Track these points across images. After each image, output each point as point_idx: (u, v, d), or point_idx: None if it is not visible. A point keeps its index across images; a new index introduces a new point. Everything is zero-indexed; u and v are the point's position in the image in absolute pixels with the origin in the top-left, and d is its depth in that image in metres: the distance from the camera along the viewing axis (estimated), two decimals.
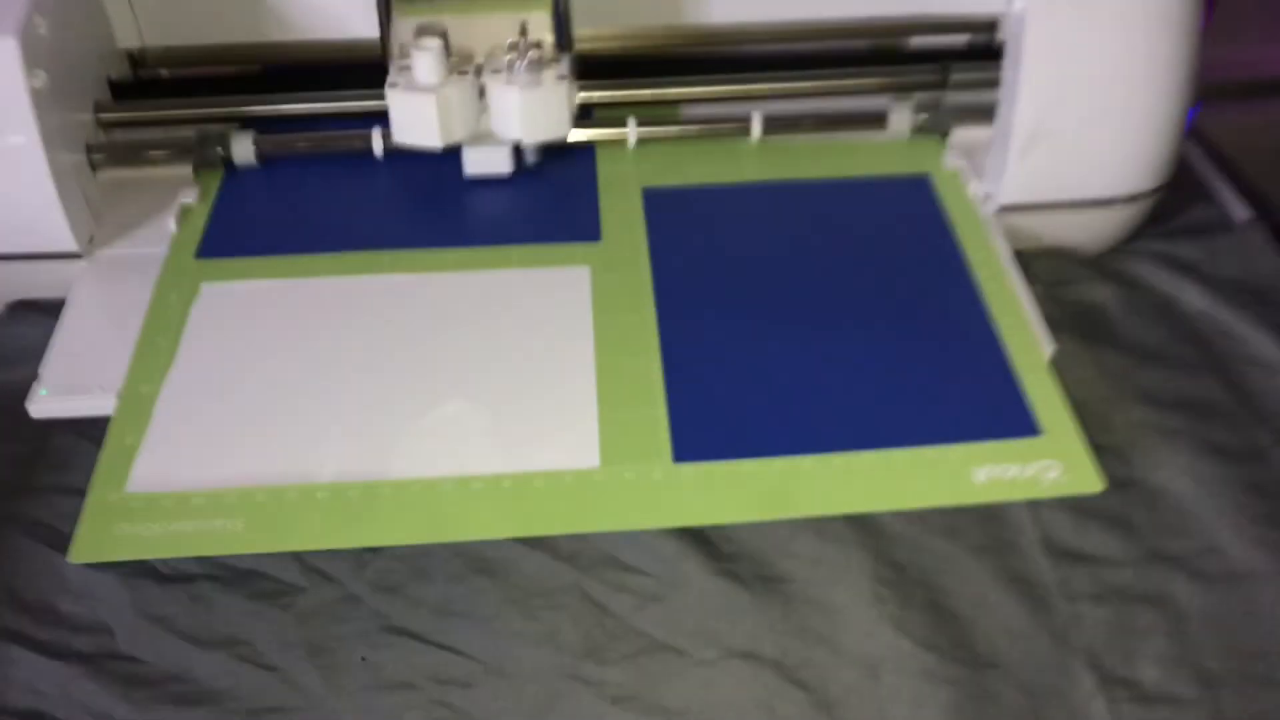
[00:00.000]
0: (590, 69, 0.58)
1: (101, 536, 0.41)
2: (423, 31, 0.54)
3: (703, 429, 0.44)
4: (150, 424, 0.45)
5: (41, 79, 0.50)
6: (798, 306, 0.49)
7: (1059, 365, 0.49)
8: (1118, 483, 0.47)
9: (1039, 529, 0.46)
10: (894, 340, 0.48)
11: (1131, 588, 0.44)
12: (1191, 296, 0.57)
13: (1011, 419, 0.44)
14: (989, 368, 0.46)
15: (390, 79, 0.54)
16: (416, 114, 0.54)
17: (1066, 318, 0.54)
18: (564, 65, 0.55)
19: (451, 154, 0.56)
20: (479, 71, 0.54)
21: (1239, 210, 0.62)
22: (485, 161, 0.56)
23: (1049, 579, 0.45)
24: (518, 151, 0.57)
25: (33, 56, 0.49)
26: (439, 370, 0.47)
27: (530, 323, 0.49)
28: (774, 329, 0.48)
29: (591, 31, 0.60)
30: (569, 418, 0.45)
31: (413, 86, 0.54)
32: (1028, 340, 0.48)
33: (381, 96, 0.54)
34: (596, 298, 0.49)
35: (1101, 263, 0.58)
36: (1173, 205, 0.61)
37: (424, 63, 0.53)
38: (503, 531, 0.42)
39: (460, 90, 0.54)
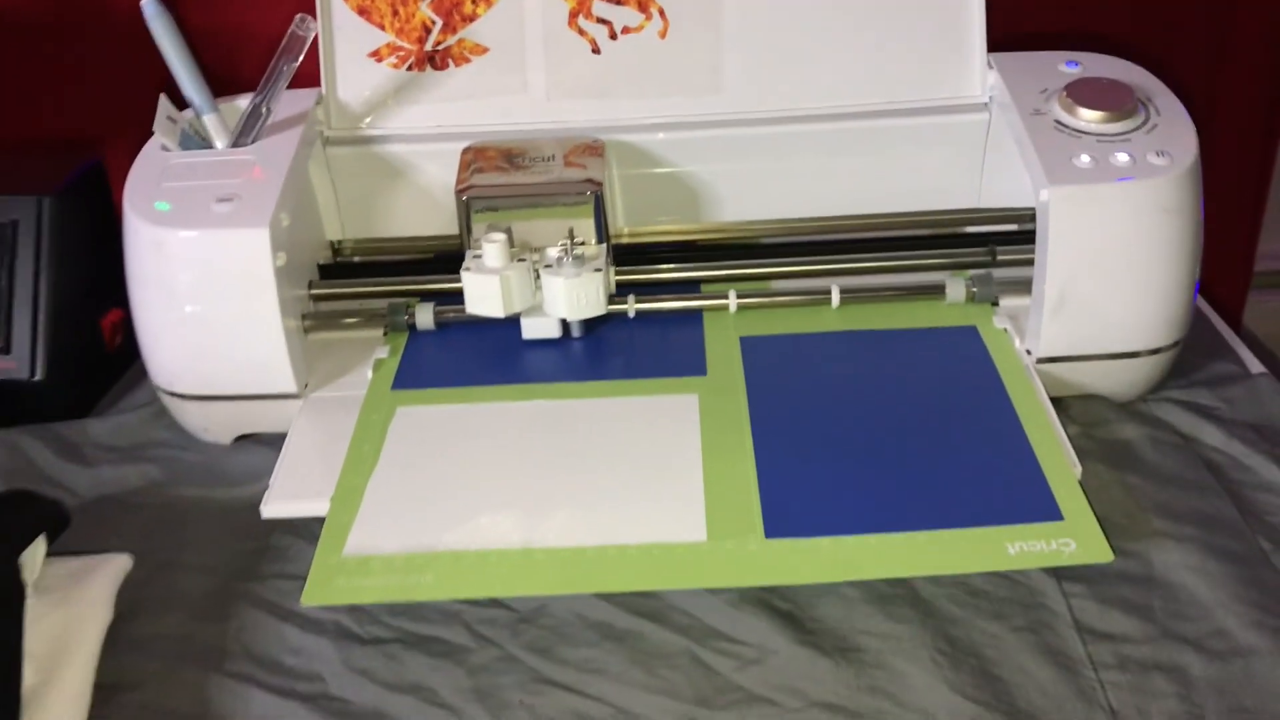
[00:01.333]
0: (630, 255, 0.72)
1: (325, 588, 0.54)
2: (492, 229, 0.68)
3: (789, 513, 0.56)
4: (360, 506, 0.58)
5: (282, 259, 0.65)
6: (867, 424, 0.61)
7: (1089, 486, 0.59)
8: (1138, 578, 0.57)
9: (1071, 614, 0.56)
10: (947, 451, 0.59)
11: (1148, 659, 0.54)
12: (1209, 434, 0.67)
13: (1039, 509, 0.55)
14: (1024, 475, 0.57)
15: (465, 264, 0.68)
16: (484, 290, 0.67)
17: (1097, 449, 0.65)
18: (601, 259, 0.68)
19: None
20: (536, 262, 0.68)
21: (1255, 366, 0.73)
22: (538, 329, 0.69)
23: (1079, 652, 0.54)
24: (565, 323, 0.70)
25: (276, 242, 0.65)
26: (580, 467, 0.60)
27: (652, 432, 0.62)
28: (847, 440, 0.60)
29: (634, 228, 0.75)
30: (682, 503, 0.57)
31: (482, 269, 0.67)
32: (1058, 459, 0.58)
33: None
34: (703, 415, 0.62)
35: (1131, 407, 0.69)
36: (1196, 362, 0.72)
37: (491, 252, 0.67)
38: (631, 586, 0.54)
39: (519, 274, 0.67)
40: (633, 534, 0.55)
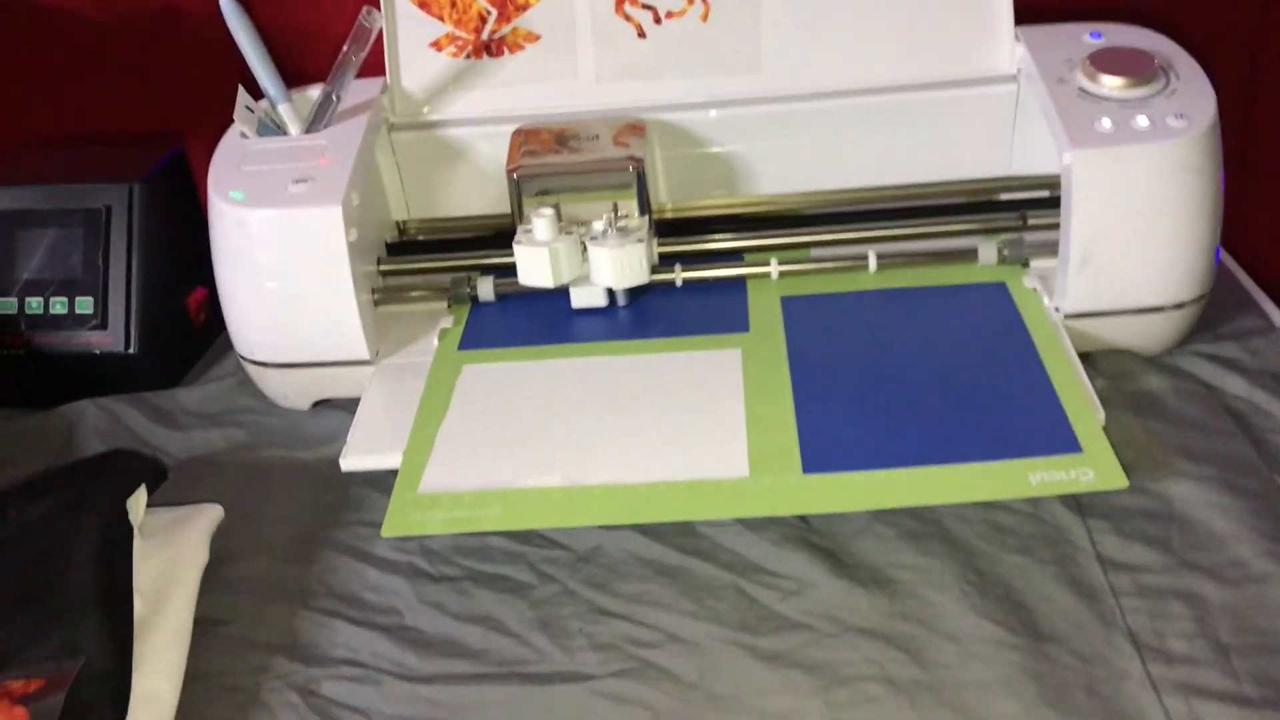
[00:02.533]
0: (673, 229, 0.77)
1: (403, 520, 0.59)
2: (540, 205, 0.73)
3: (825, 451, 0.60)
4: (432, 451, 0.64)
5: (353, 235, 0.71)
6: (899, 371, 0.66)
7: (1113, 431, 0.62)
8: (1158, 514, 0.61)
9: (1094, 548, 0.60)
10: (973, 394, 0.63)
11: (1166, 587, 0.57)
12: (1233, 384, 0.70)
13: (1060, 443, 0.59)
14: (1046, 414, 0.61)
15: (516, 238, 0.72)
16: (535, 262, 0.72)
17: (1123, 399, 0.68)
18: (643, 230, 0.72)
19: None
20: (582, 234, 0.72)
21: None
22: (587, 298, 0.74)
23: (1100, 581, 0.58)
24: (612, 291, 0.74)
25: (348, 219, 0.70)
26: (630, 413, 0.65)
27: (696, 382, 0.67)
28: (880, 385, 0.65)
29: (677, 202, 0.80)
30: (725, 443, 0.62)
31: (532, 243, 0.72)
32: (1080, 401, 0.62)
33: None
34: (745, 366, 0.67)
35: (1157, 361, 0.72)
36: (1222, 317, 0.75)
37: (540, 226, 0.71)
38: (678, 516, 0.59)
39: (567, 245, 0.71)
40: (680, 471, 0.60)
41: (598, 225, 0.72)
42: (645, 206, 0.74)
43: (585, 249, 0.72)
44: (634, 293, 0.75)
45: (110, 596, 0.56)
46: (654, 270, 0.74)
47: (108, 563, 0.57)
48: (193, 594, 0.60)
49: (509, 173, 0.74)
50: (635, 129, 0.76)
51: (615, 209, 0.72)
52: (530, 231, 0.72)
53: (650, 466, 0.61)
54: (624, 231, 0.71)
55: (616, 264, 0.71)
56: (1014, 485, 0.57)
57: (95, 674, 0.52)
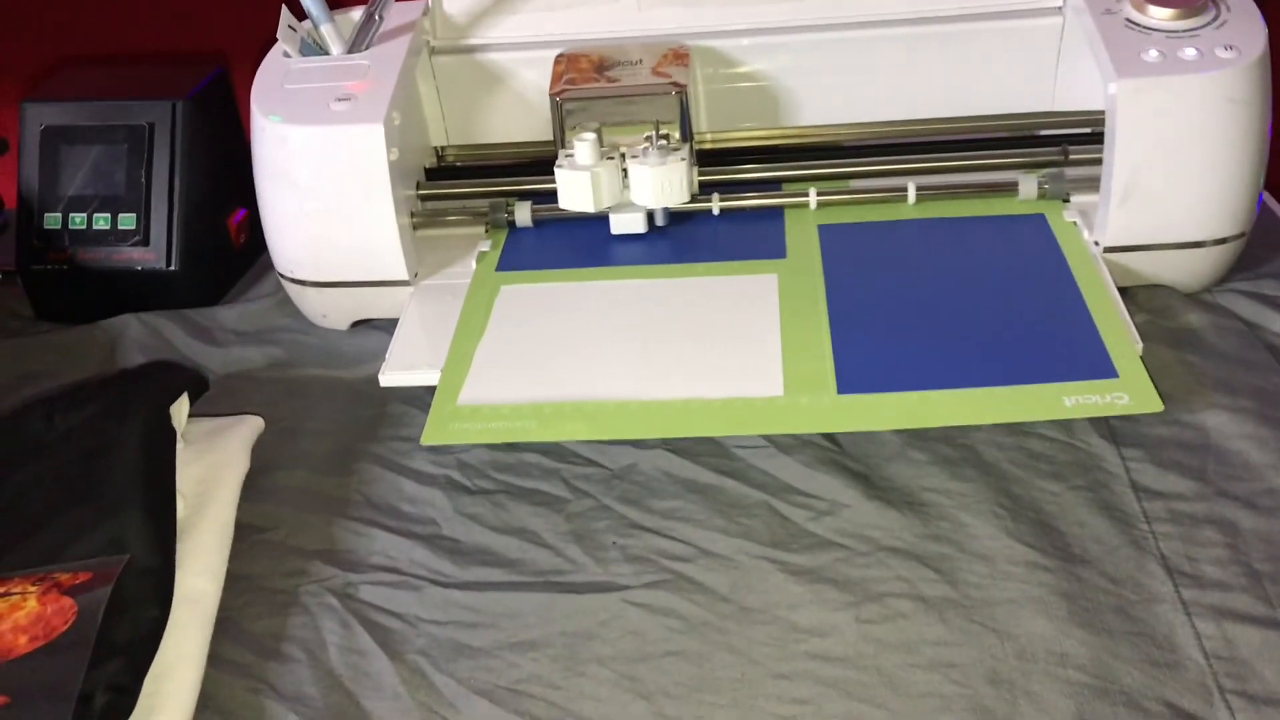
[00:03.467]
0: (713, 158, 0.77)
1: (442, 429, 0.60)
2: (582, 129, 0.72)
3: (860, 372, 0.61)
4: (471, 365, 0.64)
5: (395, 154, 0.71)
6: (935, 297, 0.66)
7: (1151, 365, 0.62)
8: (1193, 445, 0.61)
9: (1128, 475, 0.60)
10: (1010, 320, 0.63)
11: (1200, 514, 0.57)
12: (1273, 321, 0.69)
13: (1096, 369, 0.59)
14: (1083, 341, 0.61)
15: (558, 162, 0.72)
16: (576, 186, 0.72)
17: (1160, 333, 0.68)
18: (684, 151, 0.72)
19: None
20: (623, 158, 0.72)
21: None
22: (626, 223, 0.74)
23: (1134, 509, 0.58)
24: (651, 217, 0.74)
25: (390, 138, 0.70)
26: (667, 333, 0.65)
27: (733, 304, 0.67)
28: (916, 311, 0.65)
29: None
30: (762, 363, 0.62)
31: (574, 167, 0.72)
32: (1118, 329, 0.62)
33: None
34: (782, 290, 0.67)
35: (1197, 297, 0.72)
36: (1264, 255, 0.74)
37: (582, 150, 0.71)
38: (713, 432, 0.60)
39: (608, 170, 0.71)
40: (715, 389, 0.60)
41: (639, 146, 0.72)
42: (687, 133, 0.74)
43: (626, 174, 0.72)
44: (672, 219, 0.75)
45: (154, 496, 0.57)
46: (693, 199, 0.74)
47: (152, 464, 0.58)
48: (234, 498, 0.61)
49: (552, 96, 0.74)
50: (678, 56, 0.76)
51: (656, 128, 0.72)
52: (572, 156, 0.72)
53: (685, 384, 0.61)
54: (665, 149, 0.71)
55: (657, 182, 0.71)
56: (1048, 407, 0.57)
57: (140, 569, 0.53)
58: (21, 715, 0.46)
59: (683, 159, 0.71)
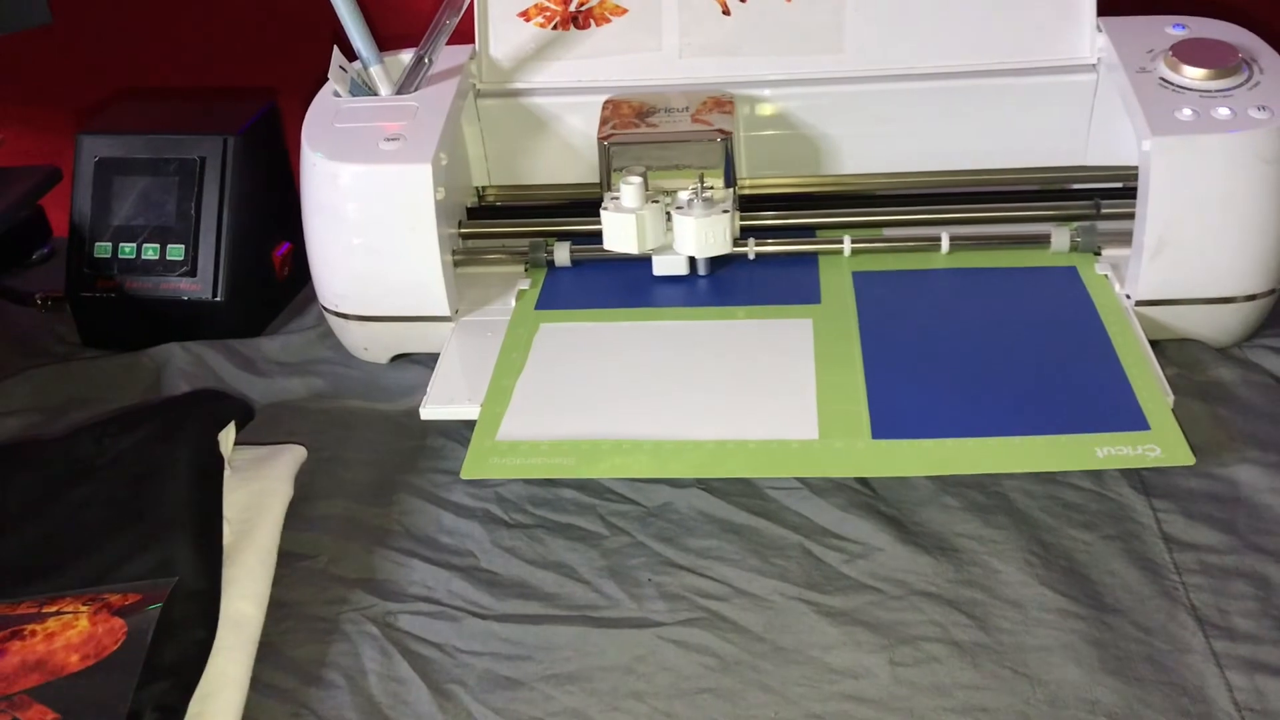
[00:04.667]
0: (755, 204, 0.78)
1: (481, 464, 0.61)
2: (629, 171, 0.74)
3: (894, 418, 0.62)
4: (510, 401, 0.66)
5: (441, 193, 0.73)
6: (969, 346, 0.67)
7: (1182, 417, 0.63)
8: (1224, 498, 0.61)
9: (1159, 527, 0.60)
10: (1043, 371, 0.64)
11: (1230, 567, 0.58)
12: None
13: (1128, 420, 0.60)
14: (1115, 393, 0.62)
15: (604, 204, 0.74)
16: (621, 228, 0.73)
17: (1191, 386, 0.69)
18: (728, 202, 0.74)
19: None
20: (668, 204, 0.74)
21: None
22: (668, 266, 0.76)
23: (1164, 559, 0.59)
24: (692, 260, 0.76)
25: (437, 178, 0.72)
26: (704, 374, 0.67)
27: (769, 348, 0.68)
28: (950, 358, 0.66)
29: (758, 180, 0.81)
30: (797, 406, 0.63)
31: (619, 209, 0.73)
32: (1149, 382, 0.63)
33: None
34: (817, 335, 0.69)
35: (1227, 352, 0.72)
36: None
37: (628, 193, 0.73)
38: (754, 472, 0.61)
39: (653, 214, 0.73)
40: (751, 431, 0.62)
41: (684, 195, 0.73)
42: (731, 179, 0.75)
43: (670, 219, 0.74)
44: (713, 263, 0.76)
45: (202, 520, 0.58)
46: (734, 243, 0.75)
47: (201, 489, 0.60)
48: (278, 525, 0.62)
49: (600, 140, 0.76)
50: (721, 104, 0.77)
51: (701, 179, 0.73)
52: (618, 198, 0.74)
53: (721, 425, 0.62)
54: (709, 201, 0.73)
55: (701, 233, 0.72)
56: (1080, 458, 0.58)
57: (188, 592, 0.55)
58: None
59: (725, 210, 0.73)
